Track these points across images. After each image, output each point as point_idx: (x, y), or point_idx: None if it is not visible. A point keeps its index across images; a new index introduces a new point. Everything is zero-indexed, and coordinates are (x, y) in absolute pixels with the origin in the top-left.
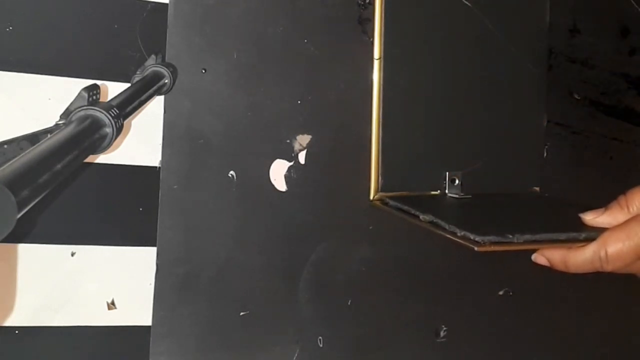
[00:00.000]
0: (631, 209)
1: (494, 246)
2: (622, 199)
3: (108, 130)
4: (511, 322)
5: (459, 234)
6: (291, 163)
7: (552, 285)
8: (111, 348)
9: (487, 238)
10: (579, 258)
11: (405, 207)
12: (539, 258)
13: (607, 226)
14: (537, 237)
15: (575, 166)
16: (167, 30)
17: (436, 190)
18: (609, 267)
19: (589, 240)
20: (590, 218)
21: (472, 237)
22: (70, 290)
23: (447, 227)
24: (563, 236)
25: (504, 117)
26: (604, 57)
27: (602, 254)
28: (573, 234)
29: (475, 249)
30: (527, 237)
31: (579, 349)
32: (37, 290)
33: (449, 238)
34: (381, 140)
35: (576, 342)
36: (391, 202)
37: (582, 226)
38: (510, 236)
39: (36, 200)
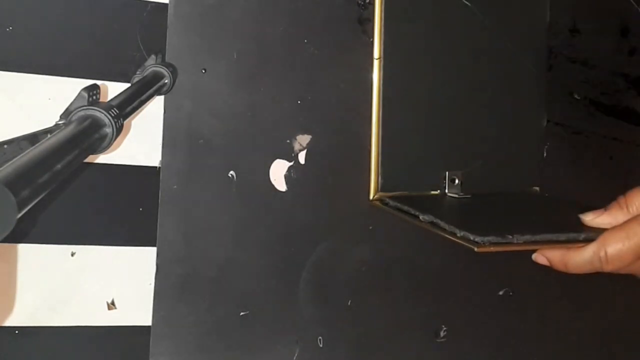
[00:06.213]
0: (631, 210)
1: (494, 247)
2: (621, 199)
3: (108, 130)
4: (511, 322)
5: (458, 235)
6: (291, 163)
7: (552, 285)
8: (111, 348)
9: (486, 238)
10: (578, 258)
11: (405, 207)
12: (539, 257)
13: (606, 227)
14: (537, 237)
15: (575, 166)
16: (167, 30)
17: (436, 190)
18: (608, 267)
19: (589, 240)
20: (590, 219)
21: (471, 237)
22: (70, 290)
23: (447, 227)
24: (563, 237)
25: (504, 117)
26: (604, 57)
27: (602, 254)
28: (573, 235)
29: (475, 249)
30: (527, 237)
31: (579, 349)
32: (37, 290)
33: (449, 238)
34: (381, 140)
35: (576, 341)
36: (391, 202)
37: (582, 227)
38: (510, 237)
39: (36, 200)
